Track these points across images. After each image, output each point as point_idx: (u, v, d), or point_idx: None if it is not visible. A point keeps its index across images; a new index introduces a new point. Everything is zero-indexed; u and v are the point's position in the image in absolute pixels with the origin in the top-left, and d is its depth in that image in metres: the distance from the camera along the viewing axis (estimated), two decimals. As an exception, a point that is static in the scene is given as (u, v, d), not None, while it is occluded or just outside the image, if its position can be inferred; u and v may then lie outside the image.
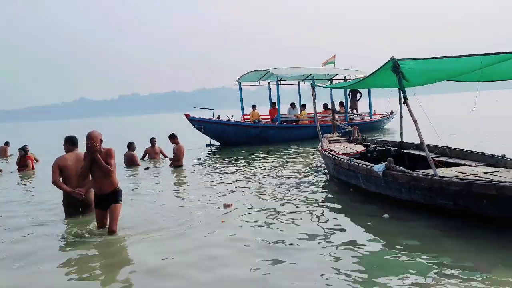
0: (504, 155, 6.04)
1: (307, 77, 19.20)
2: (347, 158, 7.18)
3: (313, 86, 10.14)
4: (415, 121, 5.48)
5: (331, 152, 8.07)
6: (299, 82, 20.33)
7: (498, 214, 4.50)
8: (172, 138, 11.30)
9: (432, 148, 7.30)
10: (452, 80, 6.72)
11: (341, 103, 19.47)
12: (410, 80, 5.89)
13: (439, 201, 4.97)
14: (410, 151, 7.99)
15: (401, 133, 8.59)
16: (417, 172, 5.35)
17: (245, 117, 18.79)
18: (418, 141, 5.86)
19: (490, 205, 4.46)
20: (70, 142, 6.17)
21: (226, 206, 6.35)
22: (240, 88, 19.19)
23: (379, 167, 5.76)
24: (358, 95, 20.01)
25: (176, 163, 11.07)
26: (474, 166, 5.94)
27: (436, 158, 6.69)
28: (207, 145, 16.66)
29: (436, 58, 5.29)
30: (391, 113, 20.47)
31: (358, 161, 6.86)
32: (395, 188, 5.61)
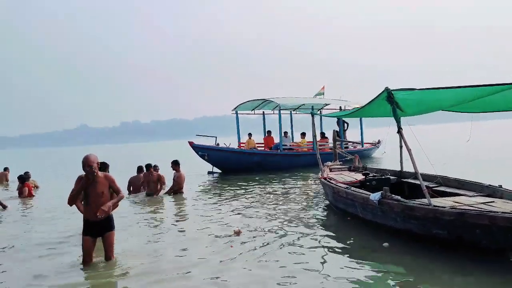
0: (501, 185, 6.03)
1: (299, 107, 19.54)
2: (345, 186, 7.21)
3: (313, 115, 10.30)
4: (409, 151, 5.54)
5: (330, 180, 8.10)
6: (290, 111, 20.61)
7: (491, 244, 4.50)
8: (175, 164, 11.34)
9: (430, 178, 7.31)
10: (446, 110, 6.81)
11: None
12: (405, 110, 5.95)
13: (434, 230, 4.96)
14: (409, 180, 7.98)
15: (401, 162, 8.55)
16: (412, 202, 5.36)
17: (241, 145, 18.99)
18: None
19: (484, 235, 4.45)
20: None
21: (236, 233, 6.44)
22: (237, 117, 19.41)
23: (375, 196, 5.78)
24: (346, 125, 20.28)
25: (177, 190, 11.15)
26: (470, 196, 5.93)
27: (434, 188, 6.70)
28: (209, 172, 16.73)
29: (430, 88, 5.34)
30: (378, 142, 21.31)
31: (355, 189, 6.87)
32: (391, 217, 5.61)
